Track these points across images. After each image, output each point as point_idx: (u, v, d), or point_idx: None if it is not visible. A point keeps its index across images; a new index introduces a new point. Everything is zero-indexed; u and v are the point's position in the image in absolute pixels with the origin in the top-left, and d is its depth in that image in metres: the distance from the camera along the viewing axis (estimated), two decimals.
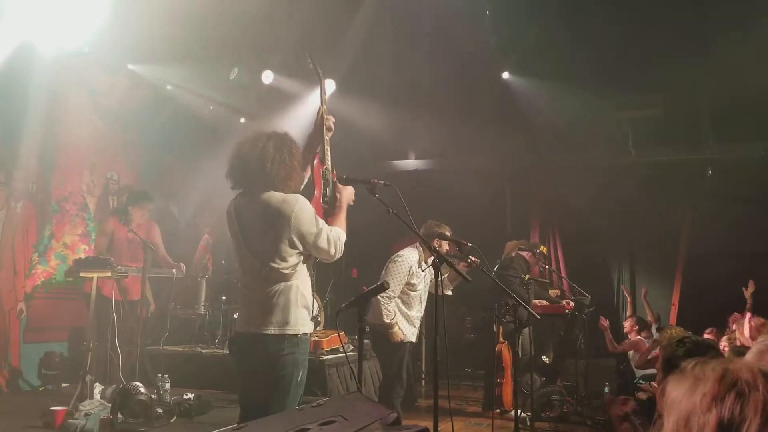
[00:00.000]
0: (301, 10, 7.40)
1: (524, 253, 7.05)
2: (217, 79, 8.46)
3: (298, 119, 9.10)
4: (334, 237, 3.03)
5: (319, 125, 3.33)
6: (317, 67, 3.51)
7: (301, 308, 3.00)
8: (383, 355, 5.22)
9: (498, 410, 6.17)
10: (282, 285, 2.96)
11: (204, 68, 8.24)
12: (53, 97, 7.13)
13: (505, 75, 8.95)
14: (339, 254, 3.06)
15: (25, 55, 6.61)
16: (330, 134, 3.34)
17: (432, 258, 3.40)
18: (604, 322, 7.36)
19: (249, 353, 2.99)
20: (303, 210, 2.96)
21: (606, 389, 6.86)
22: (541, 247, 7.29)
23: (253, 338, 2.96)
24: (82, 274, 6.01)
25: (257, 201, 3.00)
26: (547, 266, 7.22)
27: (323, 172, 3.25)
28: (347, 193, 3.24)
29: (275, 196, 2.98)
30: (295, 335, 2.95)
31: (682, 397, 1.25)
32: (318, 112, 3.37)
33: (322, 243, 2.98)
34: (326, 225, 3.05)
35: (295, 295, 2.98)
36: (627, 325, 7.62)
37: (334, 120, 3.39)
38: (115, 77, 8.00)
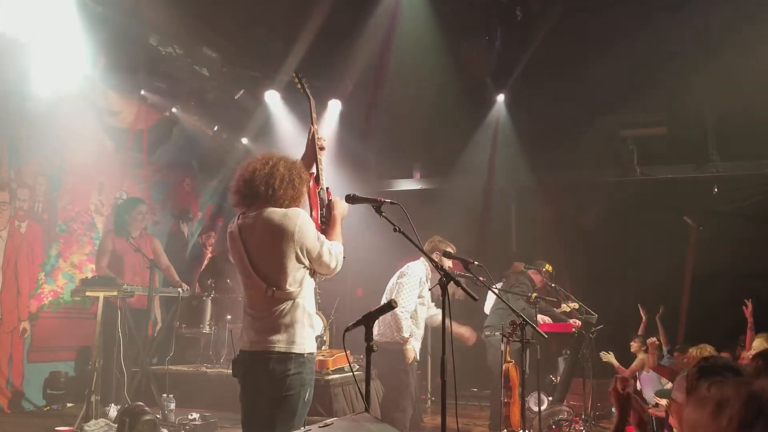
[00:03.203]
0: (306, 30, 7.46)
1: (530, 272, 7.03)
2: (223, 99, 8.53)
3: (302, 139, 9.15)
4: (336, 251, 3.07)
5: (311, 145, 3.35)
6: (305, 86, 3.52)
7: (307, 327, 2.98)
8: (394, 374, 5.19)
9: (505, 430, 6.12)
10: (288, 304, 2.93)
11: (210, 88, 8.30)
12: (61, 116, 7.17)
13: (500, 98, 8.99)
14: (338, 268, 3.10)
15: (32, 75, 6.67)
16: (323, 153, 3.35)
17: (440, 277, 3.38)
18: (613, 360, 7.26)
19: (254, 373, 2.94)
20: (306, 223, 2.96)
21: (613, 409, 6.79)
22: (547, 265, 7.26)
23: (258, 358, 2.92)
24: (88, 293, 6.03)
25: (260, 219, 2.98)
26: (553, 284, 7.18)
27: (319, 192, 3.27)
28: (340, 208, 3.26)
29: (276, 211, 2.97)
30: (302, 354, 2.91)
31: (705, 420, 1.23)
32: (309, 133, 3.38)
33: (325, 257, 3.01)
34: (326, 240, 3.07)
35: (302, 314, 2.95)
36: (634, 345, 7.54)
37: (325, 140, 3.41)
38: (124, 97, 8.06)
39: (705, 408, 1.23)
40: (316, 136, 3.35)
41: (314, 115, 3.42)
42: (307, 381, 2.94)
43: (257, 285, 2.96)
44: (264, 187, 2.99)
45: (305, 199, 3.18)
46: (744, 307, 6.52)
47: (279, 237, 2.92)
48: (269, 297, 2.93)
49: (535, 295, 6.36)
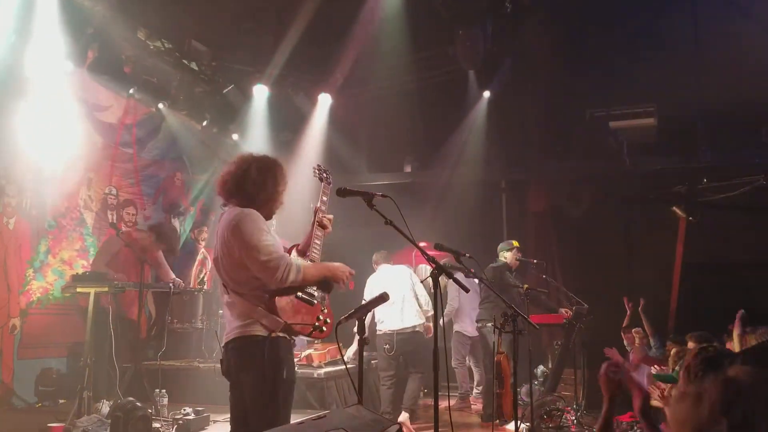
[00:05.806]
0: (296, 24, 7.44)
1: (501, 255, 7.04)
2: (212, 93, 8.48)
3: (293, 135, 9.15)
4: (284, 261, 2.91)
5: (312, 223, 3.33)
6: (325, 176, 3.51)
7: (272, 314, 2.98)
8: (423, 347, 6.34)
9: (497, 421, 6.16)
10: (256, 293, 2.96)
11: (199, 82, 8.25)
12: (49, 112, 7.11)
13: (490, 90, 8.98)
14: (282, 279, 2.89)
15: (20, 71, 6.61)
16: (326, 232, 3.33)
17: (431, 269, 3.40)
18: (614, 353, 7.20)
19: (232, 360, 2.99)
20: (247, 217, 2.96)
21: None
22: (514, 242, 7.21)
23: (231, 345, 2.98)
24: (79, 289, 6.00)
25: (224, 214, 3.09)
26: (544, 275, 7.20)
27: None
28: (334, 270, 3.16)
29: (234, 209, 3.03)
30: (274, 336, 2.93)
31: (687, 414, 1.25)
32: (314, 212, 3.35)
33: (262, 257, 2.87)
34: (279, 247, 3.00)
35: (269, 302, 2.98)
36: (628, 338, 7.52)
37: (331, 217, 3.37)
38: (112, 92, 8.00)
39: (684, 402, 1.26)
40: (320, 214, 3.33)
41: (323, 198, 3.41)
42: (283, 359, 2.95)
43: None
44: (235, 188, 3.07)
45: (283, 202, 3.21)
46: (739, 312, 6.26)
47: (228, 233, 2.96)
48: (234, 290, 3.00)
49: (526, 286, 6.38)
